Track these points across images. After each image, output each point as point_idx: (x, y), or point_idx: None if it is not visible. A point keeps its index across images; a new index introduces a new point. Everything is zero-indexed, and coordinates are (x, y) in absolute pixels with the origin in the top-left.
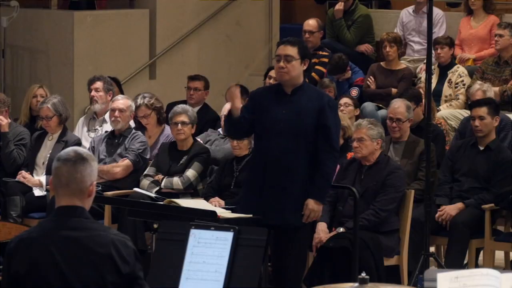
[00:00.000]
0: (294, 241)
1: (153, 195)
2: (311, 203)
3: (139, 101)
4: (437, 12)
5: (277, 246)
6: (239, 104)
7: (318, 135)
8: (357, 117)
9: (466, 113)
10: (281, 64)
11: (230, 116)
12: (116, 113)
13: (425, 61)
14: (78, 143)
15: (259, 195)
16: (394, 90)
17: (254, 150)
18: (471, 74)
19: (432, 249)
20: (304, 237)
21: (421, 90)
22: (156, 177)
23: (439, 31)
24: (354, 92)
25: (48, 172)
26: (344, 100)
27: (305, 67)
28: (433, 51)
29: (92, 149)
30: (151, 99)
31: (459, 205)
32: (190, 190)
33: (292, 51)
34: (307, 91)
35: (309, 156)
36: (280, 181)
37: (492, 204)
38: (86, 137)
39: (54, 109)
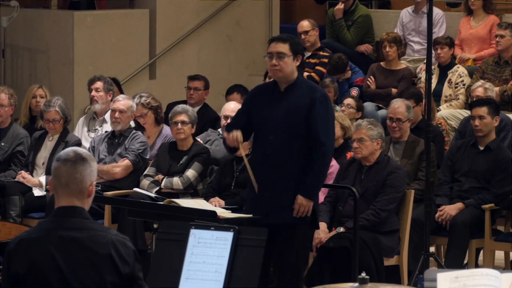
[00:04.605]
0: (294, 240)
1: (153, 195)
2: (299, 198)
3: (136, 100)
4: (437, 12)
5: (278, 245)
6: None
7: (309, 132)
8: (357, 119)
9: (466, 113)
10: (274, 61)
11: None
12: (117, 114)
13: (425, 61)
14: (78, 143)
15: (259, 194)
16: (394, 90)
17: (253, 149)
18: (471, 74)
19: (432, 249)
20: (304, 234)
21: (421, 90)
22: (156, 177)
23: (439, 31)
24: (354, 92)
25: (48, 172)
26: (348, 101)
27: (298, 63)
28: (433, 51)
29: (92, 149)
30: (148, 98)
31: (459, 205)
32: (190, 190)
33: (283, 47)
34: (300, 87)
35: (302, 153)
36: (275, 180)
37: (492, 204)
38: (86, 137)
39: (62, 112)
